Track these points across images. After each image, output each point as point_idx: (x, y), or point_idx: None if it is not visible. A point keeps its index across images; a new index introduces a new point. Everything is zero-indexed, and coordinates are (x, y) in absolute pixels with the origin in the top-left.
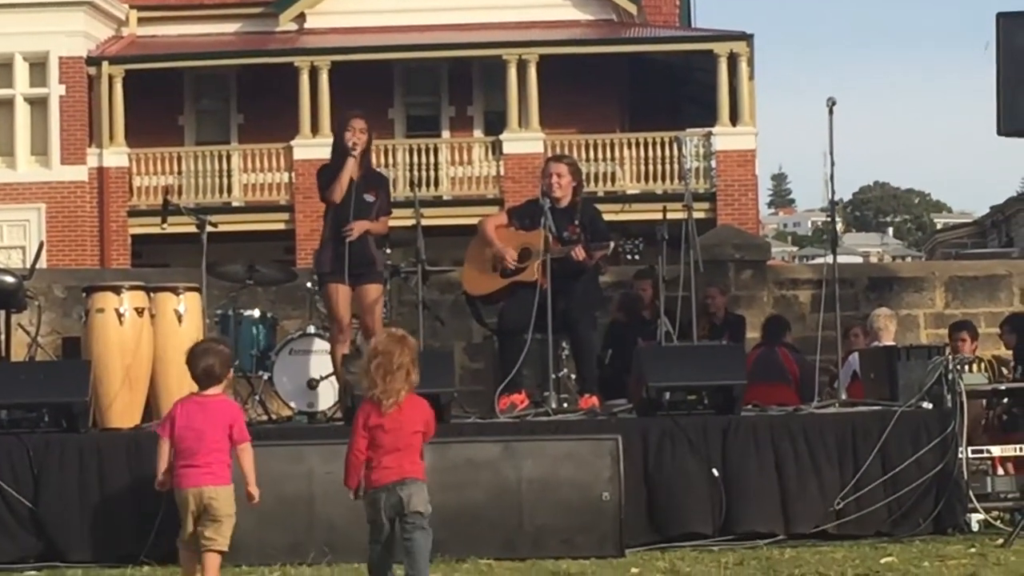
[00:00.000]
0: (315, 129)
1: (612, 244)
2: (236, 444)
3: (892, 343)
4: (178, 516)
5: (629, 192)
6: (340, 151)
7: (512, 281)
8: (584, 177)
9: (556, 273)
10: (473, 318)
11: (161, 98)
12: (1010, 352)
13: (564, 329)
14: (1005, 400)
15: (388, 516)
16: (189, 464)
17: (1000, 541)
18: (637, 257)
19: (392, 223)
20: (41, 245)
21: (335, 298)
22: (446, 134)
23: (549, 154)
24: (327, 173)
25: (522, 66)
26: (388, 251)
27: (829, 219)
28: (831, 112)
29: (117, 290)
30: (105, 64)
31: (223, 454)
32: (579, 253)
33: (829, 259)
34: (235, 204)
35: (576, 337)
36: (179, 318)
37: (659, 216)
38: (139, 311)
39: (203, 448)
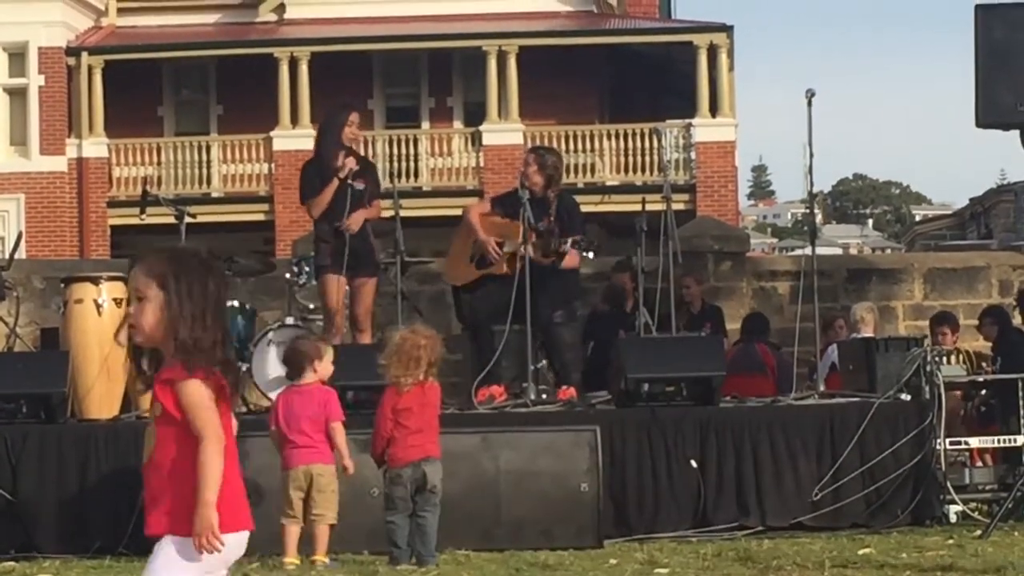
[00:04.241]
0: (295, 120)
1: (569, 243)
2: (328, 423)
3: (872, 335)
4: (283, 494)
5: (609, 183)
6: (329, 148)
7: (483, 273)
8: (563, 169)
9: (529, 267)
10: (454, 311)
11: (141, 89)
12: (990, 345)
13: (536, 323)
14: (983, 392)
15: (411, 491)
16: (295, 445)
17: (978, 532)
18: (591, 256)
19: None
20: (20, 235)
21: (333, 291)
22: (426, 125)
23: (528, 145)
24: (312, 174)
25: (502, 57)
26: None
27: (808, 211)
28: (810, 104)
29: (96, 281)
30: (84, 55)
31: (323, 435)
32: (536, 255)
33: (808, 251)
34: (214, 195)
35: (548, 330)
36: None
37: (638, 207)
38: (117, 302)
39: (305, 431)
